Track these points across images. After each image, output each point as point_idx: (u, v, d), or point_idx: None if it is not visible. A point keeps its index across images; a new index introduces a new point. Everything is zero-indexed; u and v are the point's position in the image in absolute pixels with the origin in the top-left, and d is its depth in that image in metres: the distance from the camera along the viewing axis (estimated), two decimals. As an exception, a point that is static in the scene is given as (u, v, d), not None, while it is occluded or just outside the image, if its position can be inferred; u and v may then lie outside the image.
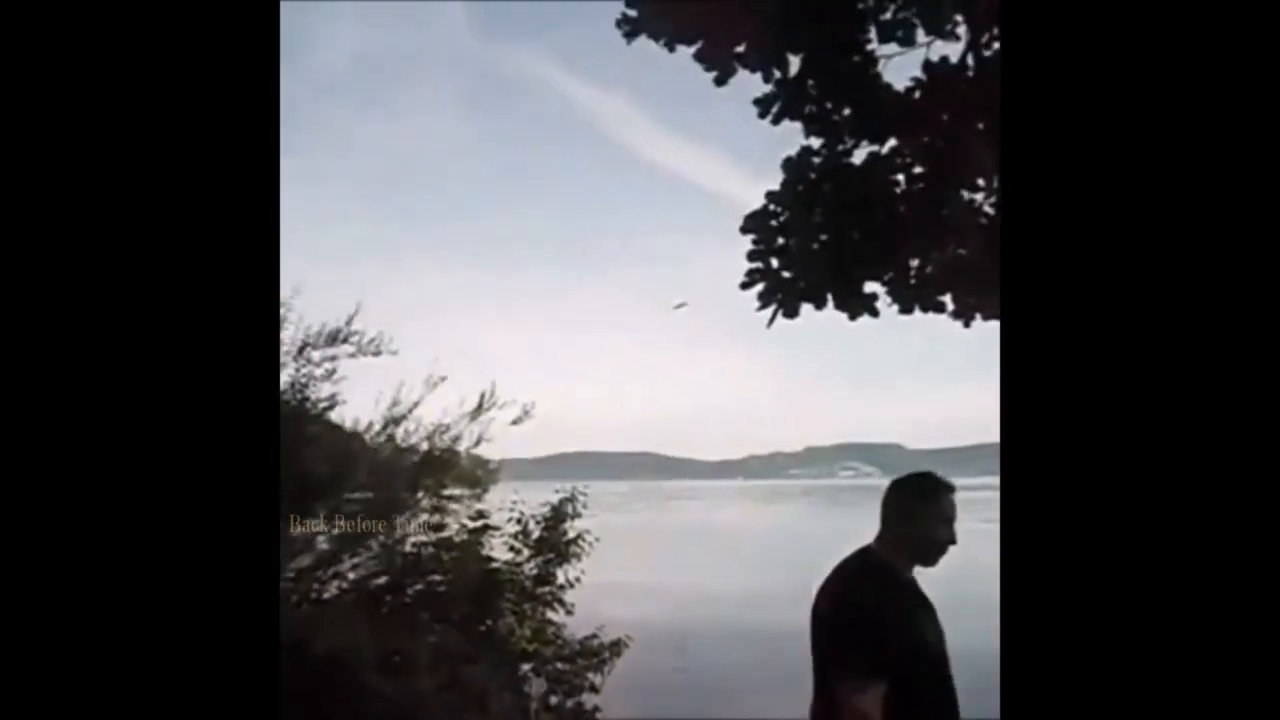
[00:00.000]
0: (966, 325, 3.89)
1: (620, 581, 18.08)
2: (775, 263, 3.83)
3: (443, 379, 9.22)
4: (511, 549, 7.52)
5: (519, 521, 7.66)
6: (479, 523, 7.51)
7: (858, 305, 3.79)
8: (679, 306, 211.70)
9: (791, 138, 3.82)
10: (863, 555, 2.41)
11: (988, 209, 3.64)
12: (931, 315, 3.95)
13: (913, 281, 3.93)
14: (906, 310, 3.98)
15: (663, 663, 11.28)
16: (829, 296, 3.78)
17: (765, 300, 3.90)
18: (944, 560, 2.38)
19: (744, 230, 3.88)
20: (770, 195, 3.82)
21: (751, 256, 3.87)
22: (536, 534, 7.58)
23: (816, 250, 3.72)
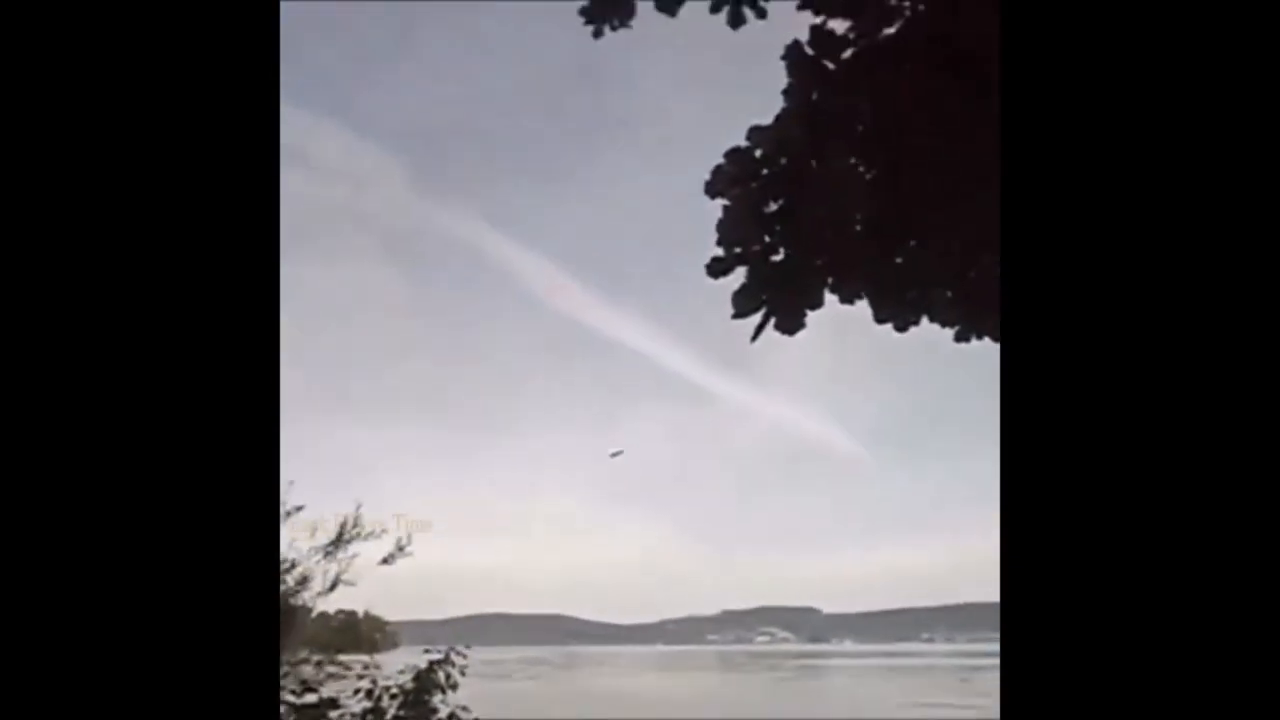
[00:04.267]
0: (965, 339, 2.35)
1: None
2: (768, 239, 2.28)
3: (298, 509, 7.31)
4: (357, 738, 5.35)
5: (370, 695, 5.50)
6: (306, 698, 5.33)
7: (906, 308, 2.22)
8: (615, 454, 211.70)
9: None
10: None
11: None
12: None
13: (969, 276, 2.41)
14: (965, 337, 2.45)
15: None
16: (860, 291, 2.21)
17: (743, 305, 2.32)
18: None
19: (711, 191, 2.34)
20: (756, 132, 2.31)
21: (724, 230, 2.31)
22: (391, 713, 5.41)
23: (839, 213, 2.18)
